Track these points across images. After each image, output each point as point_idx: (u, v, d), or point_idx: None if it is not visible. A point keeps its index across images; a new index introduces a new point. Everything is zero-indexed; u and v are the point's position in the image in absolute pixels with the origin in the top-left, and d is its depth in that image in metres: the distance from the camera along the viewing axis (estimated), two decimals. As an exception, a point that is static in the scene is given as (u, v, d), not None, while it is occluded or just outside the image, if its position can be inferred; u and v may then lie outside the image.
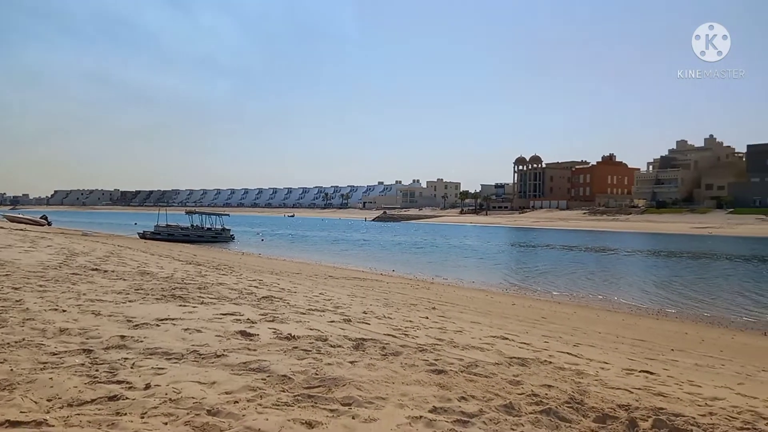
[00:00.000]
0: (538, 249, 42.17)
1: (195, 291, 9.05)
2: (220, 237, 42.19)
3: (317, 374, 4.25)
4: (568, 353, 6.97)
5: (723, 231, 68.26)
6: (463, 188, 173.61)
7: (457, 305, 12.57)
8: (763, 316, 14.60)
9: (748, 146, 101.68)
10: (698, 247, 44.43)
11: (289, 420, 3.24)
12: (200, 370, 4.23)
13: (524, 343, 7.36)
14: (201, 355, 4.68)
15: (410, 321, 8.35)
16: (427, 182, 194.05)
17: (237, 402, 3.53)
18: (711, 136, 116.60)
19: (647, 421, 3.76)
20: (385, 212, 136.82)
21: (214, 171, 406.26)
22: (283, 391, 3.82)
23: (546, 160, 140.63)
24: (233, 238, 43.51)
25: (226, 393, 3.70)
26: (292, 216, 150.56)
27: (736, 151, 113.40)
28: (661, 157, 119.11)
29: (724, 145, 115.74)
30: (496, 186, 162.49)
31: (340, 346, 5.44)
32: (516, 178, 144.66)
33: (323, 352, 5.09)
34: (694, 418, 4.01)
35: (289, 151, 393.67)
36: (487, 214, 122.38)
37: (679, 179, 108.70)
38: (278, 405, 3.52)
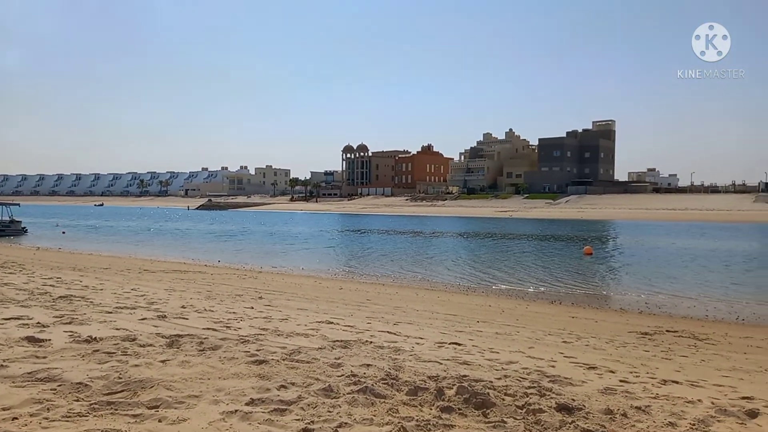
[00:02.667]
0: (366, 234, 43.80)
1: (-31, 294, 7.65)
2: (8, 230, 36.32)
3: (121, 378, 3.87)
4: (388, 332, 7.34)
5: (520, 214, 77.98)
6: (293, 175, 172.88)
7: (284, 293, 12.47)
8: (550, 287, 16.98)
9: (539, 140, 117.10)
10: (501, 228, 50.09)
11: (81, 433, 2.89)
12: (-31, 387, 3.57)
13: (348, 326, 7.56)
14: (-29, 369, 3.95)
15: (234, 312, 8.06)
16: (256, 169, 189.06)
17: (16, 419, 3.05)
18: (510, 129, 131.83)
19: (452, 389, 4.10)
20: (210, 200, 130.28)
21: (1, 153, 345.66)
22: (77, 401, 3.40)
23: (372, 148, 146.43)
24: (25, 231, 37.78)
25: (4, 410, 3.18)
26: (101, 205, 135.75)
27: (530, 143, 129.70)
28: (471, 148, 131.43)
29: (521, 138, 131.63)
30: (326, 173, 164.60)
31: (150, 345, 5.03)
32: (344, 166, 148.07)
33: (130, 353, 4.65)
34: (491, 381, 4.49)
35: (96, 130, 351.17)
36: (317, 201, 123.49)
37: (485, 168, 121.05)
38: (69, 417, 3.11)
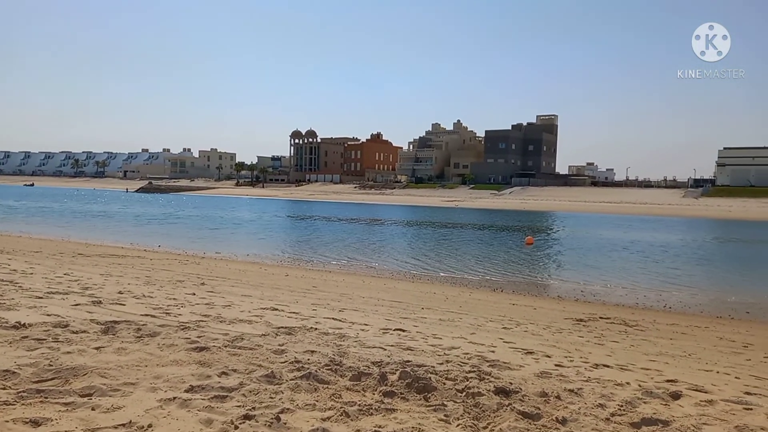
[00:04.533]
0: (314, 221, 43.49)
1: None
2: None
3: (51, 365, 3.70)
4: (333, 318, 7.34)
5: (466, 203, 79.50)
6: (239, 159, 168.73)
7: (228, 279, 12.22)
8: (492, 275, 17.44)
9: (486, 132, 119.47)
10: (448, 217, 50.92)
11: (7, 421, 2.74)
12: None
13: (293, 313, 7.51)
14: None
15: (174, 299, 7.84)
16: (200, 152, 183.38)
17: (-66, 410, 2.86)
18: (458, 120, 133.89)
19: (395, 374, 4.16)
20: (150, 182, 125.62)
21: None
22: (4, 389, 3.24)
23: (321, 135, 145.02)
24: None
25: None
26: (31, 185, 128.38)
27: (477, 135, 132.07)
28: (420, 137, 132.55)
29: (469, 129, 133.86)
30: (273, 158, 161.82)
31: (84, 332, 4.82)
32: (292, 152, 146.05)
33: (62, 340, 4.45)
34: (434, 366, 4.58)
35: (28, 106, 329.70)
36: (264, 187, 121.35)
37: (433, 158, 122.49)
38: (-6, 406, 2.95)
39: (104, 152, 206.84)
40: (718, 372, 5.75)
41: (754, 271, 20.46)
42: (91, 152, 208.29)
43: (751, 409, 4.02)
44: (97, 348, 4.28)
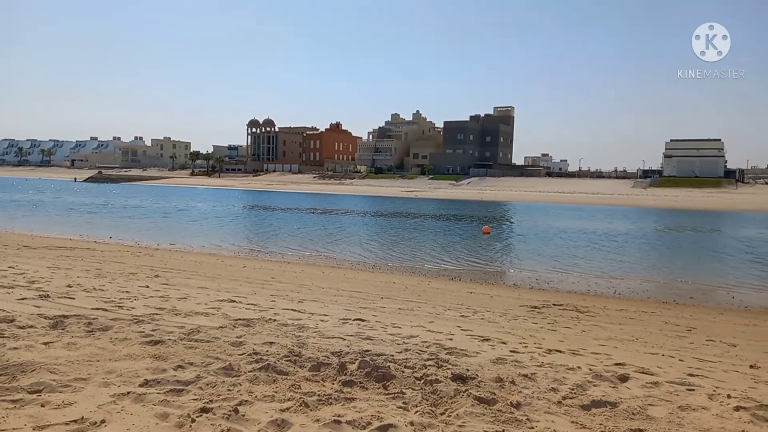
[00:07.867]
0: (272, 211, 42.96)
1: None
2: None
3: (-4, 362, 3.55)
4: (292, 309, 7.31)
5: (426, 194, 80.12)
6: (193, 148, 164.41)
7: (183, 271, 11.97)
8: (450, 264, 17.69)
9: (445, 122, 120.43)
10: (407, 207, 51.25)
11: (-51, 423, 2.63)
12: None
13: (252, 304, 7.44)
14: None
15: (127, 291, 7.64)
16: (153, 140, 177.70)
17: None
18: (417, 111, 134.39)
19: (355, 363, 4.19)
20: (100, 172, 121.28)
21: None
22: (-56, 389, 3.08)
23: (279, 124, 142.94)
24: None
25: None
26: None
27: (435, 125, 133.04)
28: (379, 128, 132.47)
29: (427, 120, 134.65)
30: (230, 148, 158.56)
31: (31, 327, 4.65)
32: (250, 141, 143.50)
33: (8, 335, 4.28)
34: (392, 355, 4.63)
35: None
36: (220, 177, 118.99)
37: (393, 148, 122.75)
38: (-65, 407, 2.82)
39: (50, 140, 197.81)
40: (663, 355, 6.03)
41: (698, 258, 21.47)
42: (35, 140, 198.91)
43: (694, 389, 4.24)
44: (45, 343, 4.13)
